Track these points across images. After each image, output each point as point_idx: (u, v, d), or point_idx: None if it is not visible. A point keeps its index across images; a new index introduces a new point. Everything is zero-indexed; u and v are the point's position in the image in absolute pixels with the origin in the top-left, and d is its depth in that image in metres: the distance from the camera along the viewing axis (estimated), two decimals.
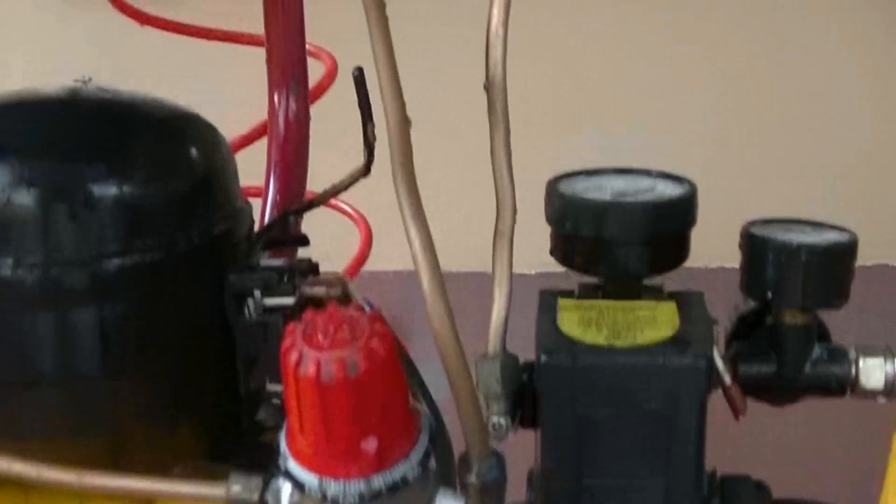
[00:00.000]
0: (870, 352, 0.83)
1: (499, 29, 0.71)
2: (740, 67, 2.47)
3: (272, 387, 0.83)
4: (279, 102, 1.05)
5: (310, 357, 0.62)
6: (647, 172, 0.84)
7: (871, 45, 2.43)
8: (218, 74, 2.40)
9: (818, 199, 2.47)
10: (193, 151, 0.85)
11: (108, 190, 0.80)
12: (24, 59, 2.58)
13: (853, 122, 2.46)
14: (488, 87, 0.72)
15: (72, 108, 0.86)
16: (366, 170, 0.90)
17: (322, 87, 1.26)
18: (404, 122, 0.68)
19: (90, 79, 0.87)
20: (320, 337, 0.63)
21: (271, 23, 1.10)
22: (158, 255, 0.80)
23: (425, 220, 0.64)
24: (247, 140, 1.30)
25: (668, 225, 0.80)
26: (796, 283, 0.80)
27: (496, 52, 0.71)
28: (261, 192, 1.12)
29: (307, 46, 1.14)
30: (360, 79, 0.84)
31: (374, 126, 0.86)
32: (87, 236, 0.79)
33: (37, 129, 0.84)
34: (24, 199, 0.79)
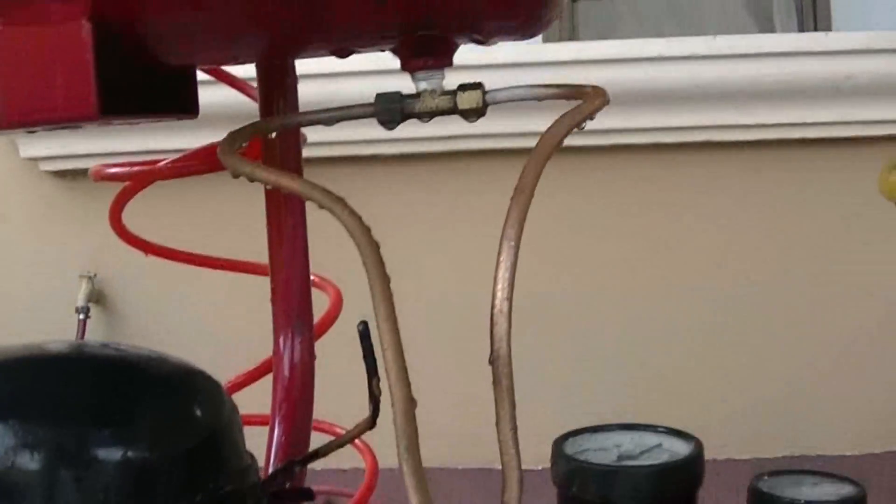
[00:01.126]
0: None
1: (503, 305, 0.71)
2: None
3: None
4: (284, 344, 1.06)
5: None
6: (653, 428, 0.84)
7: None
8: (222, 297, 2.43)
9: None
10: (199, 413, 0.85)
11: (113, 454, 0.79)
12: (25, 273, 2.60)
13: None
14: (493, 362, 0.73)
15: (76, 368, 0.86)
16: (371, 423, 0.90)
17: (327, 322, 1.27)
18: (410, 403, 0.68)
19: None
20: None
21: (275, 257, 1.11)
22: None
23: None
24: (251, 377, 1.31)
25: (676, 487, 0.79)
26: None
27: (501, 328, 0.72)
28: (266, 421, 1.12)
29: (312, 277, 1.15)
30: (364, 332, 0.84)
31: (378, 379, 0.86)
32: (91, 501, 0.78)
33: (42, 390, 0.83)
34: (29, 462, 0.78)
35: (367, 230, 0.75)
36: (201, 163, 1.19)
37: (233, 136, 0.87)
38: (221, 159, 0.84)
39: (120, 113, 0.84)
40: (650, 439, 0.83)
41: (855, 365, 2.44)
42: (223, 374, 1.15)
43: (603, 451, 0.81)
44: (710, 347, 2.45)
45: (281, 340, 1.07)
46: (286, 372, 1.06)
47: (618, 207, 2.43)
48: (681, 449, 0.82)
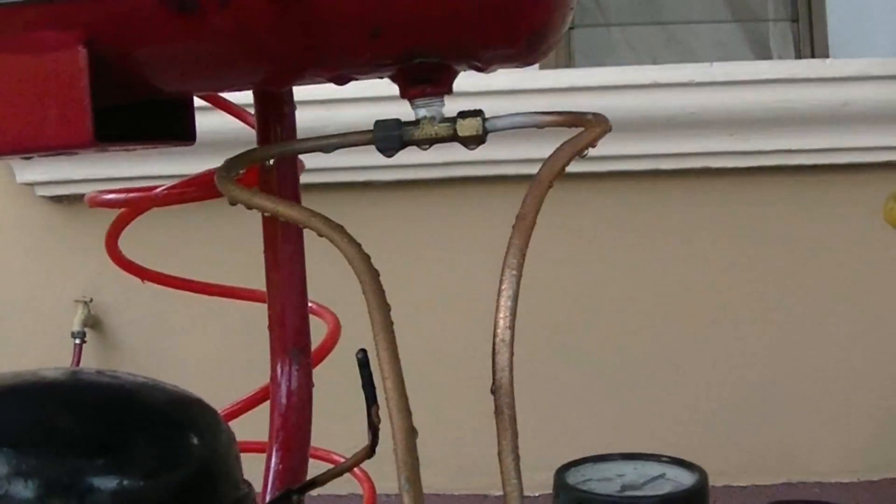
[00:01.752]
0: None
1: (505, 334, 0.70)
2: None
3: None
4: (281, 372, 1.05)
5: None
6: (656, 458, 0.83)
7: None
8: (219, 323, 2.43)
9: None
10: (195, 442, 0.84)
11: (108, 484, 0.79)
12: (21, 298, 2.59)
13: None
14: (495, 392, 0.72)
15: (71, 396, 0.85)
16: (370, 451, 0.89)
17: (325, 350, 1.25)
18: (411, 434, 0.67)
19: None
20: None
21: (273, 284, 1.10)
22: None
23: None
24: (248, 405, 1.30)
25: None
26: None
27: (503, 358, 0.71)
28: (263, 448, 1.11)
29: (310, 305, 1.14)
30: (363, 360, 0.83)
31: (377, 408, 0.85)
32: None
33: (36, 418, 0.83)
34: (23, 491, 0.77)
35: (367, 258, 0.75)
36: (198, 189, 1.18)
37: (230, 163, 0.86)
38: (219, 186, 0.83)
39: (115, 140, 0.83)
40: (654, 469, 0.82)
41: (853, 392, 2.43)
42: (220, 401, 1.14)
43: (606, 481, 0.80)
44: (710, 375, 2.44)
45: (278, 368, 1.06)
46: (283, 400, 1.05)
47: (614, 234, 2.43)
48: (685, 479, 0.81)
